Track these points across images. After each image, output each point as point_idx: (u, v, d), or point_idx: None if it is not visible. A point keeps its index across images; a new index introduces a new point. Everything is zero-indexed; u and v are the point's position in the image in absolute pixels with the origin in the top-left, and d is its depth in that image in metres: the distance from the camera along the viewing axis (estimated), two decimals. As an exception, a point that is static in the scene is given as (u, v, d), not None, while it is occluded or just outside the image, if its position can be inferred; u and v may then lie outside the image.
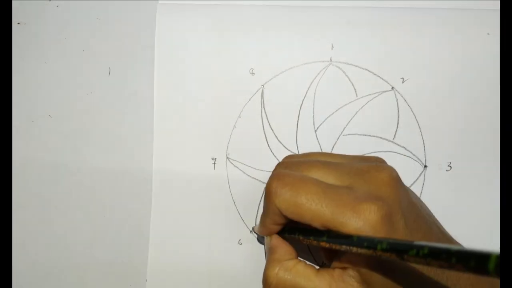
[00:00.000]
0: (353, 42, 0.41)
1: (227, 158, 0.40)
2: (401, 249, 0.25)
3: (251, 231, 0.40)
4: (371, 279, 0.29)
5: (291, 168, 0.33)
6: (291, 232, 0.34)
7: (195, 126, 0.41)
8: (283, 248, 0.34)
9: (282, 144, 0.40)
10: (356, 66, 0.41)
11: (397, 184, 0.31)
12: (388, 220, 0.28)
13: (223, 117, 0.41)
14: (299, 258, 0.33)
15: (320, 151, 0.40)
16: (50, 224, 0.40)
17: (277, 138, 0.40)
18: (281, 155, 0.40)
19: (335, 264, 0.31)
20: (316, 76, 0.41)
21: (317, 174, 0.32)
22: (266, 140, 0.40)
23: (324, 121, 0.40)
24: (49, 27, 0.41)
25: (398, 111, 0.40)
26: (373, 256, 0.27)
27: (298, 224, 0.32)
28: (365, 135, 0.40)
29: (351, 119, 0.40)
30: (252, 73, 0.41)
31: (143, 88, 0.41)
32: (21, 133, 0.40)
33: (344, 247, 0.28)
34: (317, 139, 0.40)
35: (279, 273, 0.32)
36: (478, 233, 0.39)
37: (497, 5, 0.40)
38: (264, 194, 0.32)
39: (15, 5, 0.41)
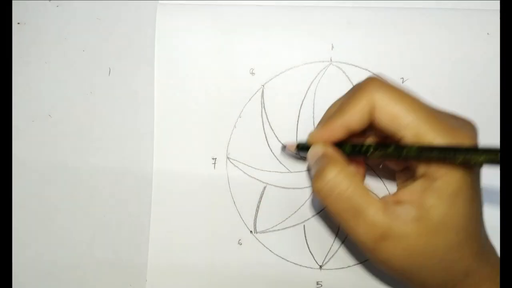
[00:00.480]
0: (353, 42, 0.41)
1: (227, 158, 0.40)
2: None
3: (251, 231, 0.39)
4: (430, 216, 0.29)
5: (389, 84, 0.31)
6: (356, 148, 0.33)
7: (195, 126, 0.41)
8: (342, 156, 0.32)
9: (282, 144, 0.40)
10: (356, 66, 0.41)
11: (478, 135, 0.31)
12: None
13: (223, 117, 0.41)
14: None
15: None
16: (50, 224, 0.40)
17: (277, 138, 0.40)
18: (281, 155, 0.40)
19: (391, 197, 0.31)
20: (316, 76, 0.41)
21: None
22: (266, 140, 0.40)
23: (324, 121, 0.40)
24: (49, 27, 0.41)
25: (398, 111, 0.40)
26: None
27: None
28: (365, 135, 0.40)
29: (351, 119, 0.40)
30: (252, 73, 0.41)
31: (143, 88, 0.41)
32: (21, 133, 0.40)
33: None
34: (317, 139, 0.40)
35: (341, 175, 0.30)
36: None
37: (497, 5, 0.40)
38: (353, 90, 0.32)
39: (15, 5, 0.41)
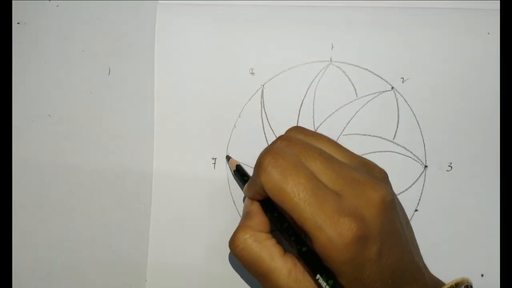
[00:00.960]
0: (353, 42, 0.41)
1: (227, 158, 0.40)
2: None
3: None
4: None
5: (291, 147, 0.32)
6: (269, 207, 0.34)
7: (195, 126, 0.41)
8: (260, 218, 0.34)
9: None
10: (356, 66, 0.41)
11: (386, 209, 0.30)
12: (362, 242, 0.28)
13: (223, 117, 0.41)
14: (271, 234, 0.33)
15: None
16: (50, 224, 0.40)
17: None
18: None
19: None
20: (316, 76, 0.41)
21: (314, 167, 0.30)
22: (266, 140, 0.40)
23: (324, 121, 0.40)
24: (49, 27, 0.41)
25: (398, 111, 0.40)
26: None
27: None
28: (365, 135, 0.40)
29: (351, 119, 0.40)
30: (252, 73, 0.41)
31: (143, 88, 0.41)
32: (21, 133, 0.40)
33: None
34: (317, 139, 0.40)
35: (248, 240, 0.32)
36: (478, 233, 0.39)
37: (497, 5, 0.40)
38: (255, 164, 0.32)
39: (14, 5, 0.41)
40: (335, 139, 0.40)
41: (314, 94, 0.40)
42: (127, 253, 0.40)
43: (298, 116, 0.40)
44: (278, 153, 0.30)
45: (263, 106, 0.41)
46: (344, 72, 0.41)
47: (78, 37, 0.41)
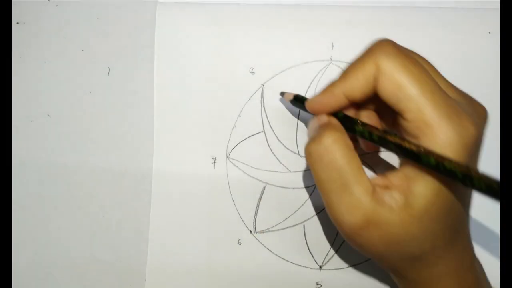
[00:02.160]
0: (353, 41, 0.40)
1: (227, 157, 0.40)
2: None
3: (250, 231, 0.39)
4: (416, 205, 0.27)
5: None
6: (349, 121, 0.30)
7: (195, 125, 0.41)
8: (341, 127, 0.30)
9: (282, 144, 0.40)
10: (356, 65, 0.40)
11: (487, 123, 0.29)
12: (477, 144, 0.27)
13: (223, 116, 0.41)
14: None
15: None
16: (50, 224, 0.40)
17: (277, 137, 0.40)
18: (281, 154, 0.40)
19: (380, 180, 0.29)
20: (316, 75, 0.41)
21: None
22: (266, 139, 0.40)
23: (324, 120, 0.40)
24: (48, 27, 0.41)
25: (398, 111, 0.40)
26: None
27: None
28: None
29: (351, 118, 0.40)
30: (252, 72, 0.41)
31: (143, 88, 0.41)
32: (20, 133, 0.40)
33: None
34: (317, 138, 0.40)
35: (338, 143, 0.28)
36: (478, 233, 0.39)
37: (498, 4, 0.40)
38: (362, 54, 0.29)
39: (14, 4, 0.41)
40: (335, 139, 0.40)
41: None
42: (127, 253, 0.40)
43: (298, 116, 0.40)
44: (396, 43, 0.29)
45: (263, 106, 0.41)
46: (344, 71, 0.40)
47: (78, 37, 0.41)
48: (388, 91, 0.28)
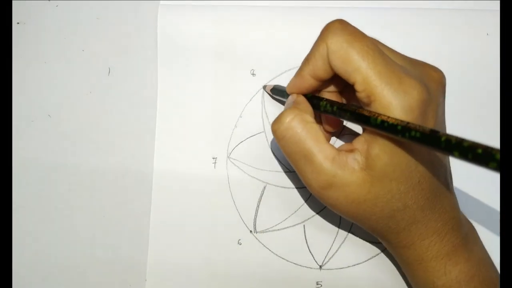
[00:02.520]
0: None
1: (228, 157, 0.40)
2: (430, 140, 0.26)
3: (250, 231, 0.39)
4: (374, 166, 0.30)
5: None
6: (315, 98, 0.33)
7: (196, 125, 0.41)
8: (307, 105, 0.33)
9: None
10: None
11: (443, 87, 0.31)
12: (424, 106, 0.28)
13: (224, 117, 0.41)
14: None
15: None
16: (50, 224, 0.40)
17: (277, 138, 0.40)
18: (282, 154, 0.40)
19: (346, 145, 0.32)
20: (316, 76, 0.41)
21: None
22: (267, 139, 0.40)
23: (324, 121, 0.40)
24: (49, 27, 0.41)
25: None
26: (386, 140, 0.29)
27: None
28: (365, 135, 0.40)
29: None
30: (253, 74, 0.41)
31: (143, 88, 0.41)
32: (21, 133, 0.40)
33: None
34: (317, 139, 0.40)
35: (295, 119, 0.31)
36: (478, 232, 0.39)
37: (496, 5, 0.40)
38: (320, 33, 0.31)
39: (14, 5, 0.41)
40: (334, 138, 0.40)
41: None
42: (127, 253, 0.40)
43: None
44: (345, 21, 0.31)
45: (264, 106, 0.41)
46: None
47: (78, 37, 0.41)
48: (338, 67, 0.30)
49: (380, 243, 0.38)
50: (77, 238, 0.39)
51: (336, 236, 0.39)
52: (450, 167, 0.33)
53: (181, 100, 0.41)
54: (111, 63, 0.41)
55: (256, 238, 0.39)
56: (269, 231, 0.39)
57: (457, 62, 0.40)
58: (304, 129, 0.31)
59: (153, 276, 0.39)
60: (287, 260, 0.39)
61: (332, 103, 0.32)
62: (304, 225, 0.39)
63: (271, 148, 0.40)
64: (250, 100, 0.41)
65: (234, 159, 0.40)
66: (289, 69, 0.41)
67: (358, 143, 0.31)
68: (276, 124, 0.32)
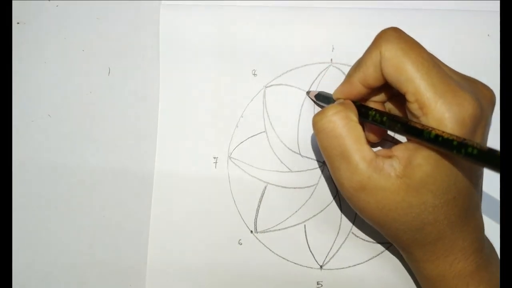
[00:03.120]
0: (354, 43, 0.41)
1: (229, 157, 0.40)
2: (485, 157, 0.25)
3: (251, 231, 0.39)
4: (413, 175, 0.29)
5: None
6: (364, 107, 0.33)
7: (197, 125, 0.41)
8: (353, 107, 0.32)
9: (284, 144, 0.40)
10: (357, 67, 0.41)
11: (493, 106, 0.30)
12: (476, 121, 0.28)
13: (226, 117, 0.41)
14: None
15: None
16: (50, 224, 0.39)
17: (278, 138, 0.40)
18: (282, 154, 0.40)
19: (385, 151, 0.31)
20: (317, 77, 0.41)
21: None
22: (268, 140, 0.40)
23: (324, 121, 0.40)
24: (49, 27, 0.41)
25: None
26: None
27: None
28: (366, 135, 0.40)
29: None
30: (255, 74, 0.41)
31: (143, 88, 0.41)
32: (21, 133, 0.40)
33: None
34: (318, 139, 0.40)
35: (339, 114, 0.31)
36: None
37: (497, 6, 0.40)
38: (374, 39, 0.31)
39: (14, 4, 0.41)
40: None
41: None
42: (127, 253, 0.40)
43: (299, 117, 0.40)
44: (400, 30, 0.30)
45: (265, 107, 0.41)
46: (344, 73, 0.41)
47: (78, 37, 0.41)
48: (390, 75, 0.29)
49: (380, 243, 0.38)
50: (77, 238, 0.39)
51: (337, 236, 0.39)
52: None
53: (182, 100, 0.41)
54: (111, 63, 0.41)
55: (257, 238, 0.39)
56: (270, 231, 0.39)
57: (458, 63, 0.40)
58: (346, 126, 0.31)
59: (153, 276, 0.39)
60: (288, 260, 0.39)
61: (381, 113, 0.31)
62: (304, 225, 0.39)
63: (272, 148, 0.40)
64: (252, 100, 0.41)
65: (235, 159, 0.40)
66: (291, 69, 0.41)
67: (398, 150, 0.30)
68: (318, 116, 0.32)
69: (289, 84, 0.41)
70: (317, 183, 0.40)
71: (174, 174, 0.40)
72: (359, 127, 0.31)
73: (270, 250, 0.39)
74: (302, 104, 0.41)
